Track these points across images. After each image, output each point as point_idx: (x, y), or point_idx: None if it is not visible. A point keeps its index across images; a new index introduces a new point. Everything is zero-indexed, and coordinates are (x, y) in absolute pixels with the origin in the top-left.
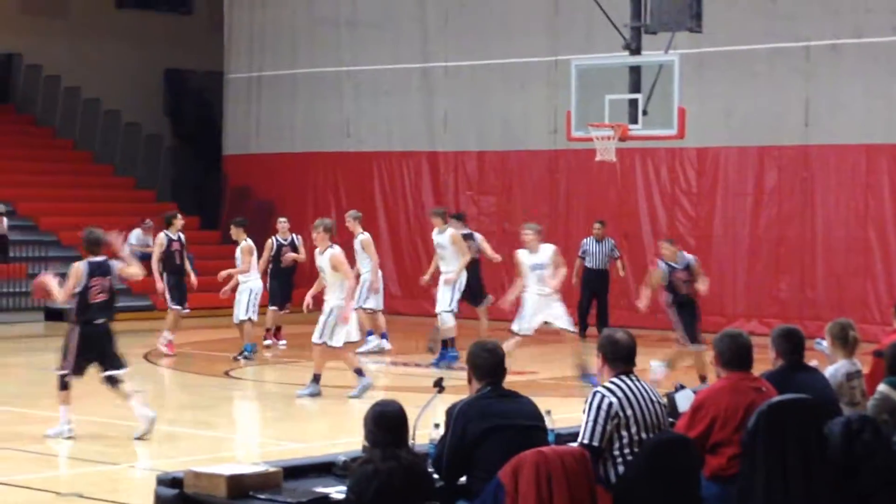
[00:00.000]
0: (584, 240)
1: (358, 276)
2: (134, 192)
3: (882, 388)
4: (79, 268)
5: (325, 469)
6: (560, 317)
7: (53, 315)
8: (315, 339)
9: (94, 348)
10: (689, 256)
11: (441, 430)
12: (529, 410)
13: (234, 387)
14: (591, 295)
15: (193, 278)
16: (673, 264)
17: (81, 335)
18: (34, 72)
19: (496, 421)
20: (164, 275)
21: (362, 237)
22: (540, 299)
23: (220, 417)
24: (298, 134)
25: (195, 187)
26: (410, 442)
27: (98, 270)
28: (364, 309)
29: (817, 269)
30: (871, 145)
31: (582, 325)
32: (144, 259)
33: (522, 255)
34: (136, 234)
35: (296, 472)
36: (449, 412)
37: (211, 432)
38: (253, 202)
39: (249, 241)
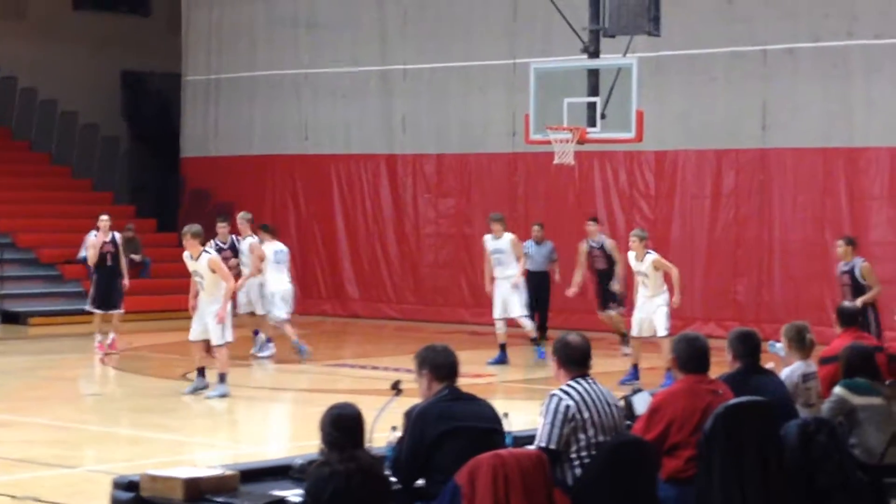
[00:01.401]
0: (525, 243)
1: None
2: (91, 193)
3: (838, 390)
4: None
5: (281, 472)
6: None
7: (10, 318)
8: (217, 342)
9: None
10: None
11: (398, 433)
12: (487, 413)
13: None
14: (533, 297)
15: (125, 281)
16: (592, 242)
17: None
18: None
19: (454, 423)
20: (94, 276)
21: (252, 240)
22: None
23: (176, 420)
24: (257, 136)
25: (153, 189)
26: (368, 444)
27: None
28: (252, 314)
29: (774, 272)
30: (827, 149)
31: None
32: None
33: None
34: (93, 237)
35: (252, 475)
36: (407, 414)
37: (167, 435)
38: (211, 204)
39: (255, 239)
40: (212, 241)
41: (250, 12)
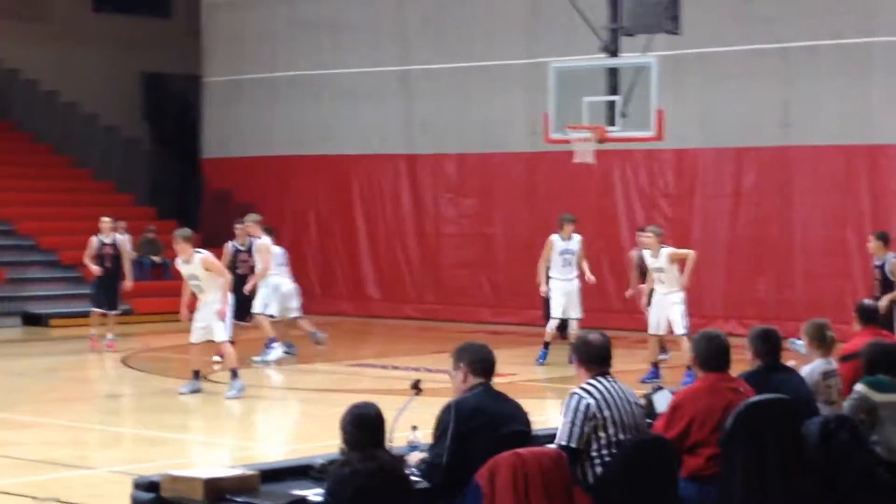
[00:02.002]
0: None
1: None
2: (113, 195)
3: (859, 387)
4: None
5: (302, 472)
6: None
7: (31, 320)
8: (221, 338)
9: None
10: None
11: (418, 434)
12: (518, 414)
13: (211, 390)
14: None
15: (127, 283)
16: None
17: None
18: (12, 76)
19: (486, 419)
20: (95, 276)
21: (259, 241)
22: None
23: (197, 421)
24: (277, 137)
25: (174, 191)
26: (388, 444)
27: None
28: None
29: (795, 270)
30: (848, 146)
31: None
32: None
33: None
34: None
35: (273, 475)
36: (446, 409)
37: (188, 436)
38: (232, 205)
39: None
40: (229, 243)
41: (270, 14)
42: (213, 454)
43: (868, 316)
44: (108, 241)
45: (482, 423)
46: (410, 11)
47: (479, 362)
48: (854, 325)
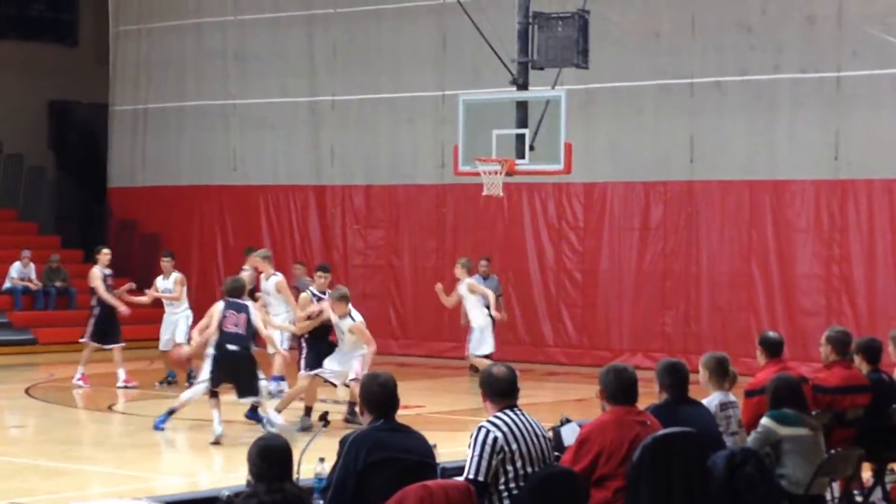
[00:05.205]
0: (473, 277)
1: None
2: (16, 223)
3: (765, 421)
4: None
5: None
6: None
7: None
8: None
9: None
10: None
11: (326, 465)
12: (420, 446)
13: (118, 421)
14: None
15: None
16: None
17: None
18: None
19: (387, 454)
20: (97, 309)
21: (276, 279)
22: None
23: (103, 452)
24: (185, 167)
25: (79, 220)
26: (295, 476)
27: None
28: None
29: (702, 304)
30: (753, 181)
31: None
32: (26, 293)
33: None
34: (16, 268)
35: None
36: (342, 441)
37: (95, 467)
38: (138, 235)
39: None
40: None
41: (178, 43)
42: (118, 486)
43: (772, 349)
44: (108, 272)
45: (381, 457)
46: (319, 42)
47: (371, 401)
48: (759, 358)
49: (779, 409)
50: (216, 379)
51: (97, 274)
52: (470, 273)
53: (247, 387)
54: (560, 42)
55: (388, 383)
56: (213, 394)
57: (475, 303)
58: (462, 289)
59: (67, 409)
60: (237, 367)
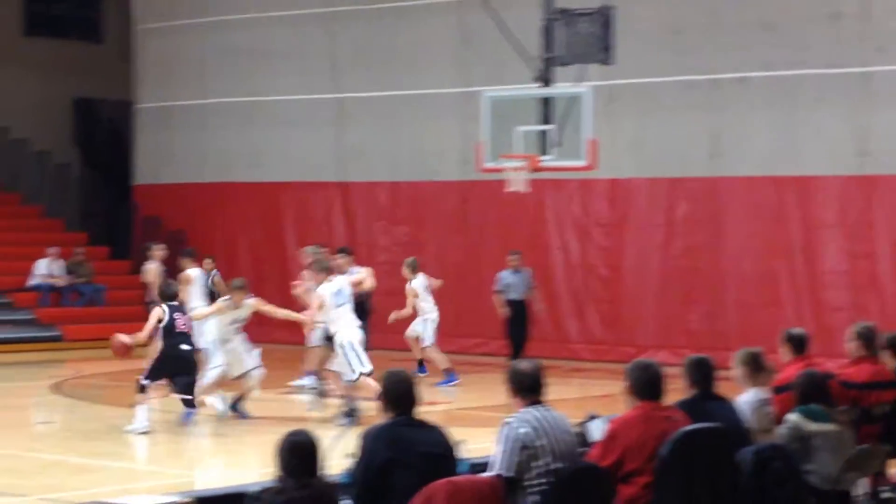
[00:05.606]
0: (501, 273)
1: None
2: (42, 220)
3: (793, 416)
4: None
5: (236, 500)
6: None
7: None
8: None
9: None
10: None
11: (354, 459)
12: (438, 440)
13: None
14: (517, 326)
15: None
16: None
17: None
18: None
19: (405, 448)
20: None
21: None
22: None
23: (130, 448)
24: (209, 164)
25: (105, 217)
26: (323, 471)
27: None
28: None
29: (727, 300)
30: (778, 177)
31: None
32: (52, 290)
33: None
34: (43, 264)
35: (208, 502)
36: (361, 437)
37: (122, 463)
38: (163, 232)
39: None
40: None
41: (202, 40)
42: (147, 482)
43: (798, 345)
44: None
45: (399, 452)
46: (342, 39)
47: (394, 396)
48: (783, 354)
49: (807, 405)
50: (158, 374)
51: (154, 270)
52: (414, 272)
53: (189, 385)
54: (584, 38)
55: (408, 379)
56: (144, 388)
57: (426, 295)
58: (414, 287)
59: (94, 406)
60: (186, 365)
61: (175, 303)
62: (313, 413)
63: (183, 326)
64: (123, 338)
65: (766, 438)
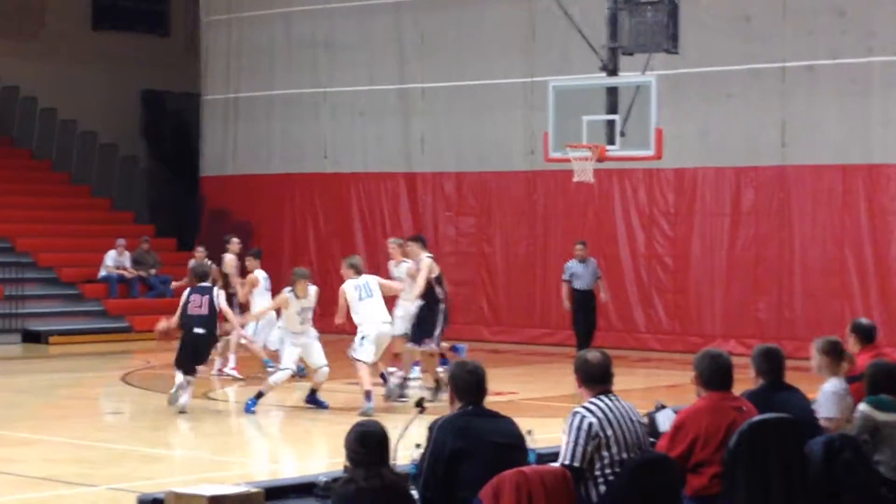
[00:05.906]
0: (568, 263)
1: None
2: (111, 213)
3: (862, 407)
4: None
5: (306, 490)
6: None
7: (31, 337)
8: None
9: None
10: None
11: (422, 450)
12: (508, 430)
13: (214, 408)
14: (585, 316)
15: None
16: None
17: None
18: (11, 93)
19: (474, 438)
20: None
21: (406, 265)
22: None
23: (199, 438)
24: (276, 155)
25: (172, 208)
26: (392, 462)
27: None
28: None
29: (795, 290)
30: (846, 165)
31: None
32: (121, 281)
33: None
34: (111, 256)
35: (277, 492)
36: (430, 427)
37: (191, 453)
38: (230, 223)
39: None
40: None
41: (268, 32)
42: (216, 472)
43: (866, 335)
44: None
45: (468, 442)
46: (408, 30)
47: (460, 387)
48: (851, 345)
49: (876, 395)
50: (181, 363)
51: (231, 262)
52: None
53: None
54: (650, 27)
55: (477, 370)
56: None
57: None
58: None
59: (163, 396)
60: (195, 350)
61: (206, 283)
62: (392, 403)
63: (197, 308)
64: (159, 324)
65: (850, 428)
